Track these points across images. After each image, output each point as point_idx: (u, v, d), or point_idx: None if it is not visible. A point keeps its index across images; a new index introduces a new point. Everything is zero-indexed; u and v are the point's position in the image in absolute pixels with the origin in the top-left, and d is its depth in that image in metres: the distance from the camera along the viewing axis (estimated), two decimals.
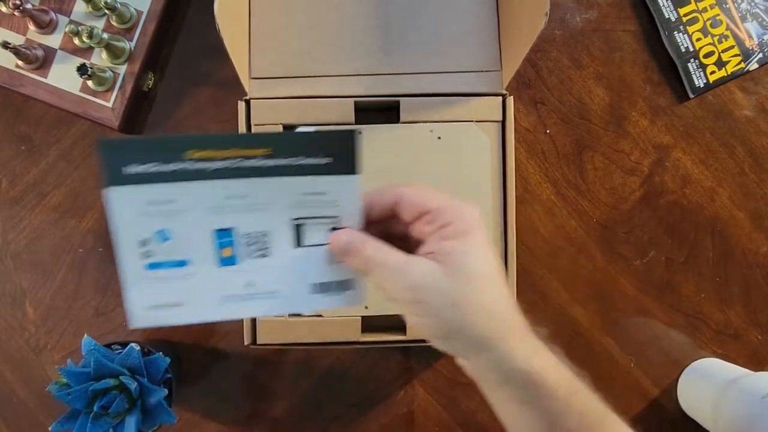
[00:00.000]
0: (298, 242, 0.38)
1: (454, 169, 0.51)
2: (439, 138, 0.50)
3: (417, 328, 0.34)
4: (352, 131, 0.37)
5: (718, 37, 0.60)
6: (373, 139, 0.50)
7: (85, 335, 0.49)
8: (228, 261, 0.38)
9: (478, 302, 0.33)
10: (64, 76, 0.55)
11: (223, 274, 0.38)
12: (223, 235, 0.38)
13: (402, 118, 0.51)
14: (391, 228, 0.37)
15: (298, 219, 0.38)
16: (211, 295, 0.38)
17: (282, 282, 0.39)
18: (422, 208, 0.34)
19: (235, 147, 0.36)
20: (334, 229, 0.38)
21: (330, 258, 0.38)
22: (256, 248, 0.39)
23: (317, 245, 0.38)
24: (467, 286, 0.33)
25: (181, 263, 0.38)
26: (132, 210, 0.36)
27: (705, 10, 0.60)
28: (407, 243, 0.36)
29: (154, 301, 0.38)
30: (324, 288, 0.39)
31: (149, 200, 0.36)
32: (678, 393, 0.60)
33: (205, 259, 0.38)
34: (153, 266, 0.37)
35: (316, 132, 0.37)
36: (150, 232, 0.37)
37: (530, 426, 0.34)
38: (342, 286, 0.39)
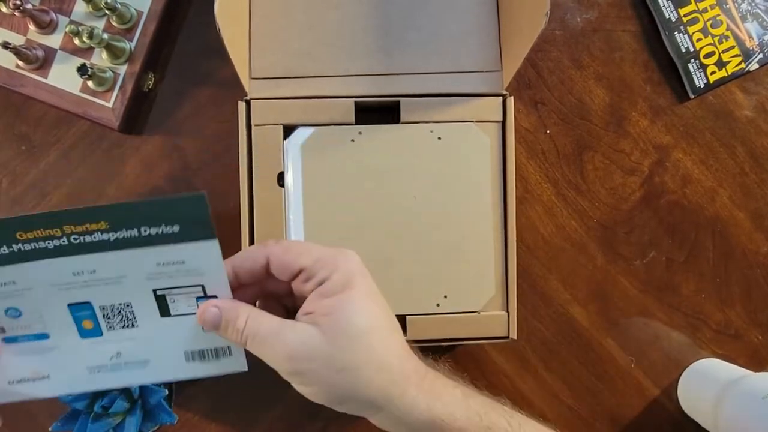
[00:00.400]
0: (166, 312, 0.36)
1: (454, 169, 0.51)
2: (439, 138, 0.50)
3: (307, 396, 0.33)
4: (201, 195, 0.34)
5: (718, 37, 0.60)
6: (373, 139, 0.50)
7: None
8: (90, 333, 0.37)
9: (366, 361, 0.31)
10: (64, 77, 0.55)
11: (88, 345, 0.37)
12: (80, 308, 0.36)
13: (402, 118, 0.51)
14: (272, 287, 0.34)
15: (159, 290, 0.36)
16: (78, 366, 0.37)
17: (153, 352, 0.37)
18: (294, 267, 0.32)
19: (66, 224, 0.33)
20: (203, 296, 0.36)
21: (202, 326, 0.36)
22: (120, 319, 0.37)
23: (186, 314, 0.36)
24: (351, 347, 0.30)
25: (42, 336, 0.36)
26: None
27: (705, 10, 0.60)
28: (294, 298, 0.34)
29: (16, 376, 0.36)
30: (200, 356, 0.38)
31: None
32: (678, 393, 0.60)
33: (66, 332, 0.36)
34: (9, 340, 0.36)
35: (157, 200, 0.34)
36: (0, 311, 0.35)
37: None
38: (219, 353, 0.38)
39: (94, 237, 0.34)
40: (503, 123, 0.51)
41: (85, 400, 0.48)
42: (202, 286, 0.35)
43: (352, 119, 0.51)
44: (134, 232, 0.34)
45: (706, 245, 0.60)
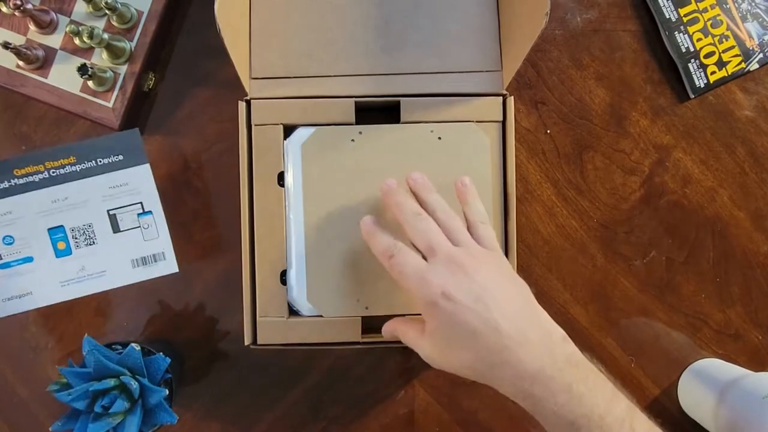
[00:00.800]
0: (117, 229, 0.50)
1: (454, 169, 0.51)
2: (439, 138, 0.50)
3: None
4: (135, 130, 0.50)
5: (718, 37, 0.60)
6: (373, 139, 0.50)
7: (86, 335, 0.49)
8: (63, 252, 0.50)
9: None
10: (64, 77, 0.55)
11: (61, 263, 0.50)
12: (56, 231, 0.49)
13: (402, 118, 0.51)
14: None
15: (111, 210, 0.50)
16: (53, 281, 0.50)
17: (108, 263, 0.50)
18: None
19: (47, 161, 0.49)
20: (141, 212, 0.50)
21: (143, 237, 0.50)
22: (84, 239, 0.50)
23: (131, 228, 0.50)
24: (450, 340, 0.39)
25: (28, 259, 0.49)
26: None
27: (705, 10, 0.60)
28: None
29: (7, 294, 0.49)
30: (142, 262, 0.51)
31: None
32: (678, 393, 0.60)
33: (45, 254, 0.49)
34: (4, 266, 0.49)
35: (106, 136, 0.50)
36: None
37: None
38: (156, 257, 0.51)
39: (66, 170, 0.49)
40: (503, 123, 0.51)
41: (86, 399, 0.48)
42: (141, 203, 0.50)
43: (353, 119, 0.51)
44: (92, 163, 0.49)
45: (707, 245, 0.60)
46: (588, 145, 0.60)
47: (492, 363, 0.37)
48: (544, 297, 0.60)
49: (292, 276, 0.50)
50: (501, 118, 0.51)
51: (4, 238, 0.48)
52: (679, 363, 0.60)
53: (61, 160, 0.49)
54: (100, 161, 0.49)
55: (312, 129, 0.50)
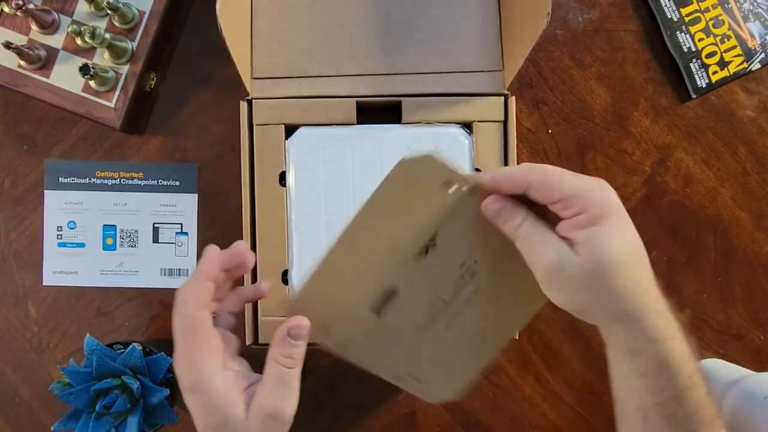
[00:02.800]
0: (156, 239, 0.59)
1: None
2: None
3: (550, 297, 0.36)
4: (195, 165, 0.58)
5: (720, 37, 0.60)
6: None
7: (87, 335, 0.49)
8: (109, 247, 0.59)
9: (615, 286, 0.34)
10: (66, 76, 0.55)
11: (105, 255, 0.59)
12: (108, 228, 0.59)
13: (404, 118, 0.51)
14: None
15: (156, 223, 0.59)
16: (95, 268, 0.59)
17: (142, 266, 0.59)
18: (552, 198, 0.34)
19: (122, 171, 0.59)
20: (180, 232, 0.59)
21: (175, 252, 0.59)
22: (128, 240, 0.59)
23: (168, 243, 0.59)
24: (603, 273, 0.33)
25: (81, 245, 0.59)
26: (57, 205, 0.59)
27: (707, 10, 0.60)
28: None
29: (59, 268, 0.59)
30: (169, 272, 0.59)
31: (67, 200, 0.59)
32: None
33: (95, 244, 0.59)
34: (62, 245, 0.59)
35: (171, 165, 0.59)
36: (64, 221, 0.59)
37: (642, 400, 0.35)
38: (180, 272, 0.59)
39: (134, 182, 0.59)
40: (505, 123, 0.51)
41: (87, 399, 0.48)
42: (181, 224, 0.59)
43: (354, 119, 0.51)
44: (155, 182, 0.59)
45: (708, 245, 0.60)
46: (589, 145, 0.60)
47: None
48: None
49: (294, 276, 0.50)
50: (502, 118, 0.51)
51: (68, 223, 0.58)
52: None
53: (133, 173, 0.59)
54: (161, 182, 0.58)
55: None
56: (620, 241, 0.34)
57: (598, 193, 0.35)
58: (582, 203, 0.34)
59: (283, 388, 0.35)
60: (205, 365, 0.35)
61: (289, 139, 0.50)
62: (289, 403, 0.35)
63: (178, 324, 0.36)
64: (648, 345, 0.34)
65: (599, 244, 0.33)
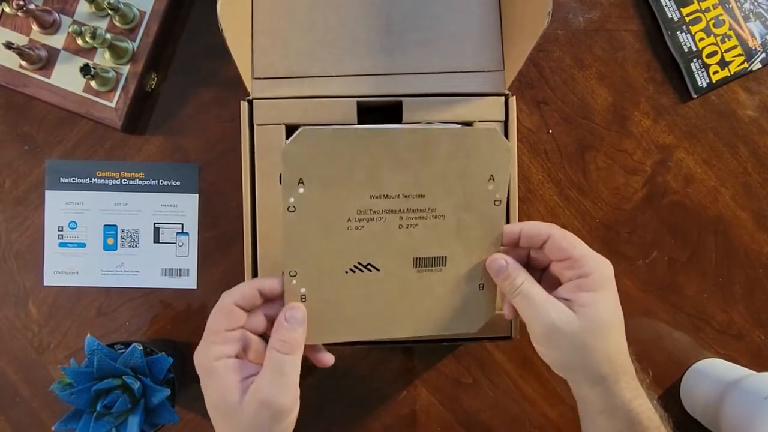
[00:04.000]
0: (157, 240, 0.59)
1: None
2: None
3: (541, 355, 0.40)
4: (196, 165, 0.59)
5: (721, 36, 0.60)
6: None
7: (88, 335, 0.49)
8: (110, 247, 0.59)
9: (602, 348, 0.38)
10: (67, 77, 0.55)
11: (106, 255, 0.59)
12: (109, 229, 0.59)
13: (405, 118, 0.51)
14: (521, 253, 0.42)
15: (156, 223, 0.59)
16: (96, 269, 0.59)
17: (143, 266, 0.59)
18: (565, 254, 0.38)
19: (123, 171, 0.59)
20: (180, 232, 0.59)
21: (175, 252, 0.59)
22: (129, 241, 0.59)
23: (168, 243, 0.59)
24: (594, 335, 0.37)
25: (82, 245, 0.59)
26: (57, 205, 0.58)
27: (708, 9, 0.60)
28: (530, 268, 0.41)
29: (59, 268, 0.59)
30: (170, 273, 0.59)
31: (68, 200, 0.59)
32: (681, 393, 0.60)
33: (96, 244, 0.59)
34: (63, 245, 0.59)
35: (171, 165, 0.59)
36: (65, 222, 0.58)
37: None
38: (182, 272, 0.59)
39: (135, 182, 0.59)
40: (506, 123, 0.51)
41: (88, 399, 0.48)
42: (182, 225, 0.59)
43: (355, 119, 0.50)
44: (156, 182, 0.59)
45: (709, 245, 0.60)
46: (590, 145, 0.60)
47: None
48: None
49: None
50: (503, 118, 0.51)
51: (69, 223, 0.58)
52: (681, 363, 0.60)
53: (133, 173, 0.59)
54: (162, 182, 0.58)
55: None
56: (613, 309, 0.39)
57: (603, 265, 0.39)
58: (589, 267, 0.38)
59: (277, 376, 0.35)
60: (216, 349, 0.36)
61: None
62: (284, 391, 0.35)
63: (214, 309, 0.38)
64: (621, 405, 0.38)
65: (598, 309, 0.37)
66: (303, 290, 0.40)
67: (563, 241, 0.39)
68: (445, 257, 0.41)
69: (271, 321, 0.39)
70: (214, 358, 0.36)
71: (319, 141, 0.38)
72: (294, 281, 0.39)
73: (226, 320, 0.37)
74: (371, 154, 0.39)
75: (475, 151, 0.40)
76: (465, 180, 0.40)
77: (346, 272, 0.40)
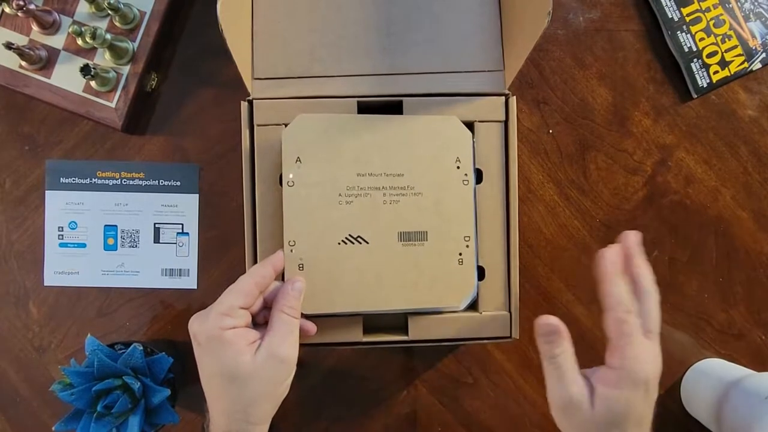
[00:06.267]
0: (157, 240, 0.59)
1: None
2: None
3: (556, 421, 0.41)
4: (196, 166, 0.59)
5: (721, 36, 0.60)
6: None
7: (89, 335, 0.49)
8: (110, 247, 0.59)
9: None
10: (67, 77, 0.55)
11: (106, 255, 0.59)
12: (110, 229, 0.59)
13: None
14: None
15: (157, 223, 0.59)
16: (96, 269, 0.59)
17: (143, 266, 0.59)
18: (611, 333, 0.40)
19: (123, 171, 0.59)
20: (181, 232, 0.59)
21: (176, 253, 0.59)
22: (129, 241, 0.59)
23: (169, 243, 0.59)
24: (608, 426, 0.38)
25: (82, 245, 0.59)
26: (58, 205, 0.59)
27: (708, 9, 0.60)
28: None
29: (59, 269, 0.59)
30: (170, 273, 0.59)
31: (68, 201, 0.59)
32: (681, 393, 0.60)
33: (96, 244, 0.59)
34: (63, 245, 0.59)
35: (172, 165, 0.59)
36: (65, 222, 0.58)
37: None
38: (182, 272, 0.59)
39: (135, 182, 0.59)
40: (506, 123, 0.51)
41: (88, 399, 0.48)
42: (182, 225, 0.59)
43: None
44: (156, 182, 0.59)
45: (709, 245, 0.60)
46: (590, 144, 0.60)
47: None
48: (546, 297, 0.60)
49: None
50: (503, 118, 0.51)
51: (70, 223, 0.58)
52: (682, 363, 0.60)
53: (134, 174, 0.59)
54: (162, 182, 0.59)
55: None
56: (632, 409, 0.38)
57: (645, 365, 0.39)
58: (627, 365, 0.38)
59: (288, 335, 0.41)
60: (228, 320, 0.40)
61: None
62: (293, 348, 0.41)
63: (233, 288, 0.41)
64: None
65: (618, 404, 0.38)
66: (301, 259, 0.46)
67: (622, 326, 0.39)
68: (426, 232, 0.47)
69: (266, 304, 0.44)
70: (227, 327, 0.39)
71: (313, 125, 0.47)
72: (293, 250, 0.46)
73: (245, 299, 0.41)
74: (357, 137, 0.46)
75: (442, 137, 0.48)
76: (437, 161, 0.47)
77: (339, 244, 0.46)
